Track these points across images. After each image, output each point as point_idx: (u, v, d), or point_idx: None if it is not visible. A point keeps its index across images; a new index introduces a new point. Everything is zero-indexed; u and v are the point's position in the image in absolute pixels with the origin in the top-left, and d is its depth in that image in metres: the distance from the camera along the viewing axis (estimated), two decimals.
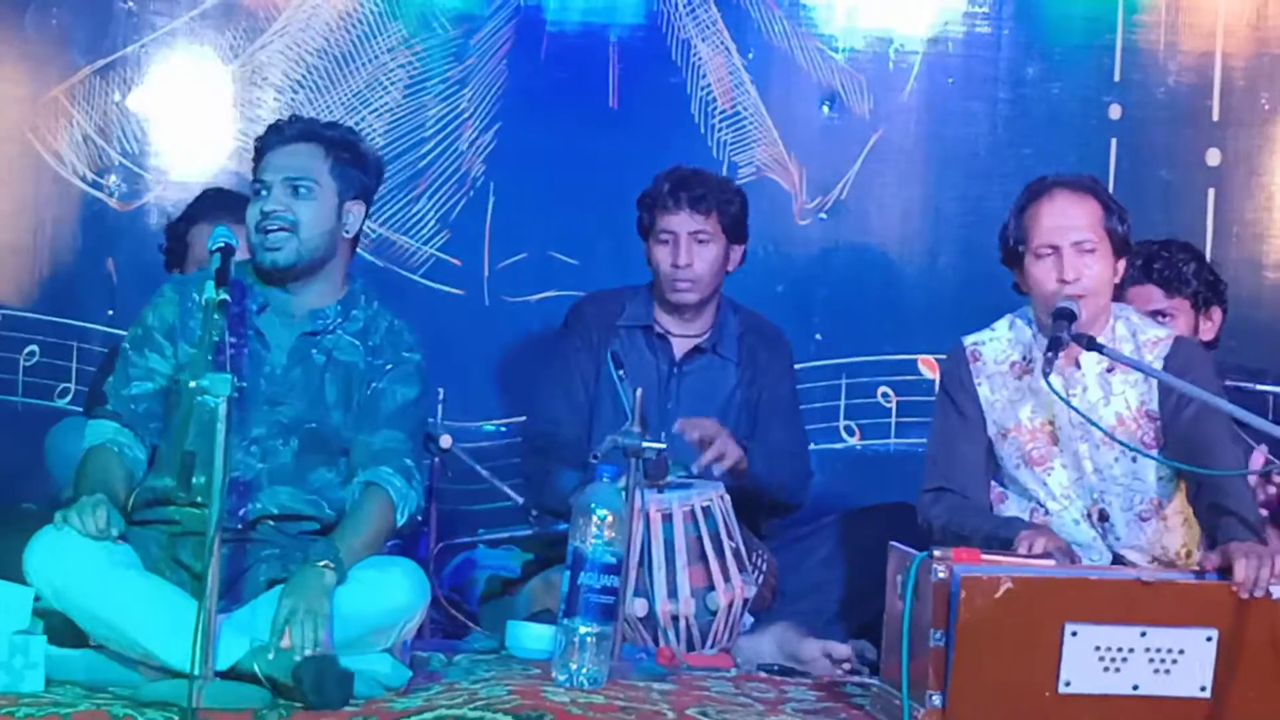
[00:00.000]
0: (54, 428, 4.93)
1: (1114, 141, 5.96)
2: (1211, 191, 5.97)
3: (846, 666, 4.48)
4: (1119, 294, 4.85)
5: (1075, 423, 4.29)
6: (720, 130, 5.91)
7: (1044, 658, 3.72)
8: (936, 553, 3.78)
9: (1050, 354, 4.15)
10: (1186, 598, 3.76)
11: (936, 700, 3.74)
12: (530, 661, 4.36)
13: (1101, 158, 5.93)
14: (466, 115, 5.89)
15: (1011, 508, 4.38)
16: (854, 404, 5.92)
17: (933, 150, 6.00)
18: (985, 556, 3.83)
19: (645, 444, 4.34)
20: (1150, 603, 3.73)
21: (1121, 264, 4.34)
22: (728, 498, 4.71)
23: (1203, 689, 3.75)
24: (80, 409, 5.32)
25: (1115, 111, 5.98)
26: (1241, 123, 6.00)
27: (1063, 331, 4.18)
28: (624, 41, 5.91)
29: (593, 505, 4.10)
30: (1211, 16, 5.98)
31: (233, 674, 3.79)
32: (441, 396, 4.85)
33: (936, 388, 4.57)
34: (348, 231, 4.24)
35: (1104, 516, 4.32)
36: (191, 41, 5.83)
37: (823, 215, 5.97)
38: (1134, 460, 4.29)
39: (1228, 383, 4.77)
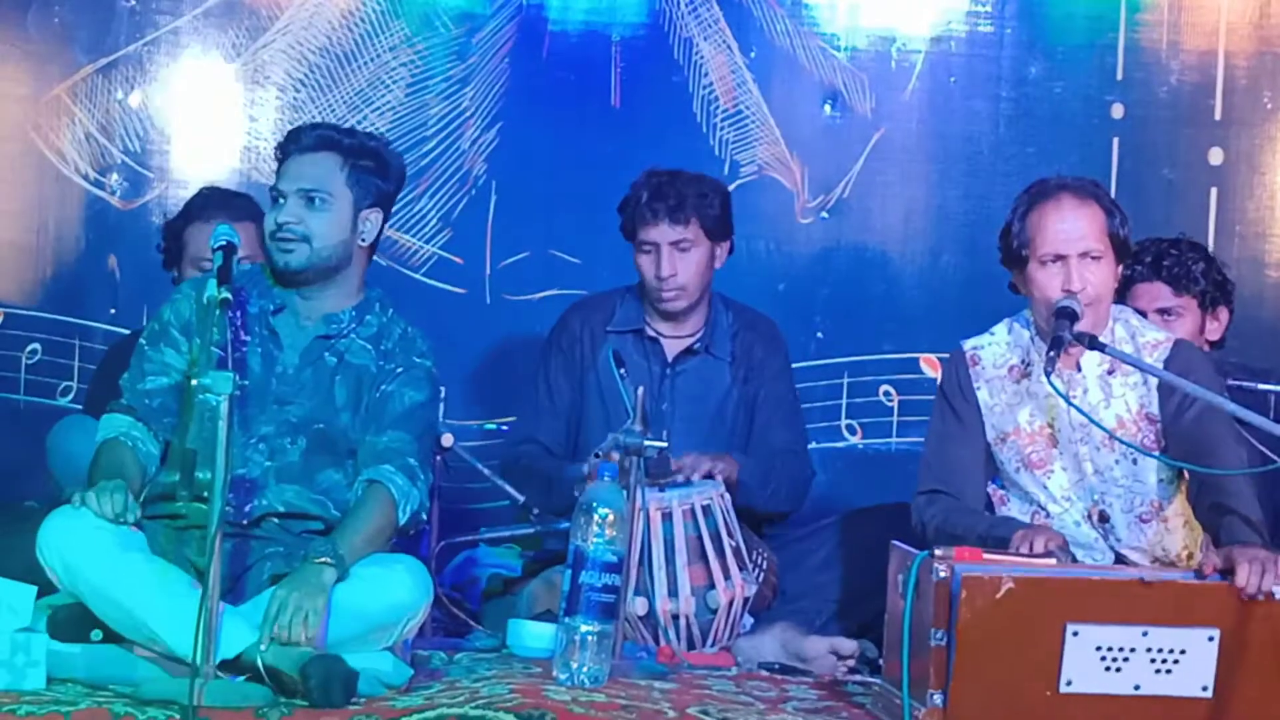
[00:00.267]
0: (56, 426, 4.93)
1: (1116, 140, 5.96)
2: (1214, 190, 5.97)
3: (851, 662, 4.49)
4: (1127, 290, 4.86)
5: (1075, 425, 4.29)
6: (722, 129, 5.92)
7: (1045, 657, 3.71)
8: (938, 552, 3.78)
9: (1052, 353, 4.15)
10: (1188, 598, 3.76)
11: (938, 699, 3.74)
12: (531, 660, 4.36)
13: (1104, 157, 5.93)
14: (469, 114, 5.89)
15: (1013, 510, 4.38)
16: (855, 403, 5.92)
17: (935, 149, 6.00)
18: (987, 556, 3.82)
19: (647, 442, 4.34)
20: (1152, 603, 3.73)
21: (1121, 268, 4.34)
22: (728, 496, 4.71)
23: (1204, 689, 3.75)
24: (82, 407, 5.32)
25: (1118, 110, 5.98)
26: (1244, 122, 6.00)
27: (1065, 331, 4.17)
28: (626, 40, 5.91)
29: (594, 504, 4.10)
30: (1214, 15, 5.98)
31: (238, 663, 3.80)
32: (443, 395, 4.85)
33: (935, 392, 4.57)
34: (363, 240, 4.26)
35: (1104, 518, 4.32)
36: (194, 40, 5.84)
37: (825, 214, 5.97)
38: (1135, 462, 4.29)
39: (1230, 382, 4.77)
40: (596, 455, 4.32)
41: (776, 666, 4.51)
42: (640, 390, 4.42)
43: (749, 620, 4.70)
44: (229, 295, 3.92)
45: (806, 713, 3.96)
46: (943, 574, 3.74)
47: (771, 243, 5.92)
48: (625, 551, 4.17)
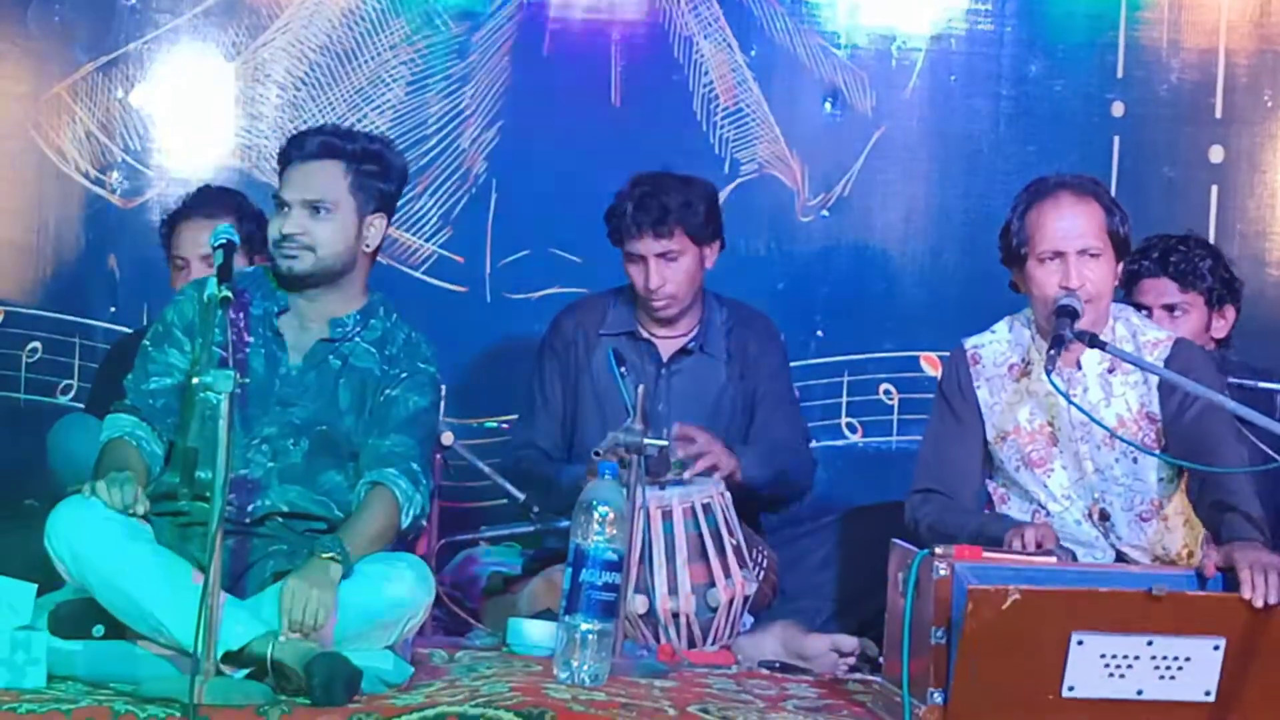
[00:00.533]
0: (56, 424, 4.93)
1: (1117, 139, 5.96)
2: (1214, 189, 5.98)
3: (851, 661, 4.49)
4: (1133, 286, 4.87)
5: (1076, 423, 4.29)
6: (722, 127, 5.92)
7: (1049, 664, 3.70)
8: (938, 550, 3.77)
9: (1053, 351, 4.15)
10: (1195, 608, 3.74)
11: (937, 698, 3.74)
12: (531, 658, 4.36)
13: (1104, 155, 5.93)
14: (469, 112, 5.89)
15: (1013, 509, 4.38)
16: (856, 401, 5.92)
17: (935, 147, 6.00)
18: (987, 554, 3.82)
19: (647, 441, 4.34)
20: (1158, 613, 3.70)
21: (1121, 266, 4.34)
22: (728, 494, 4.71)
23: (1207, 693, 3.74)
24: (82, 406, 5.32)
25: (1118, 109, 5.98)
26: (1244, 120, 6.00)
27: (1065, 329, 4.17)
28: (626, 39, 5.91)
29: (594, 502, 4.10)
30: (1214, 13, 5.98)
31: (241, 656, 3.80)
32: (443, 393, 4.84)
33: (936, 388, 4.57)
34: (368, 246, 4.27)
35: (1105, 516, 4.32)
36: (194, 38, 5.84)
37: (825, 212, 5.97)
38: (1135, 461, 4.29)
39: (1233, 381, 4.77)
40: (596, 454, 4.32)
41: (777, 665, 4.51)
42: (640, 388, 4.42)
43: (749, 618, 4.70)
44: (229, 294, 3.93)
45: (807, 711, 3.96)
46: (943, 572, 3.74)
47: (772, 241, 5.92)
48: (625, 550, 4.18)
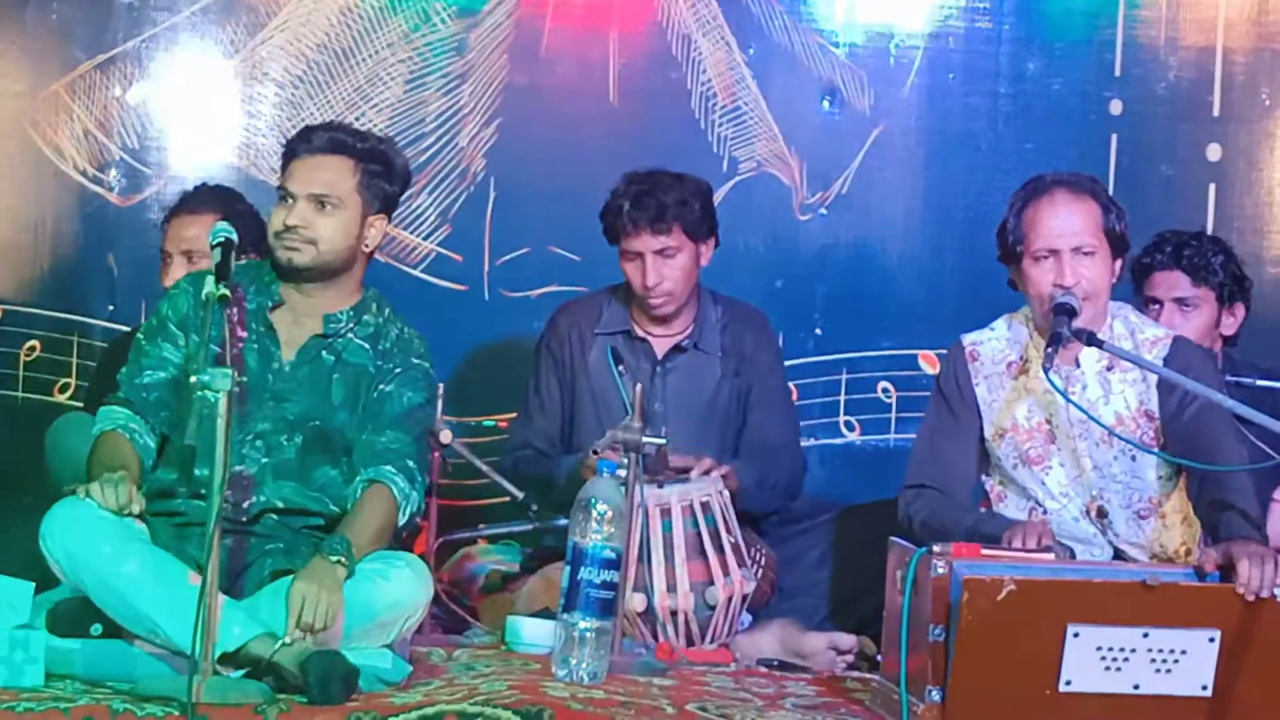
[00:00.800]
0: (55, 423, 4.92)
1: (1115, 137, 5.96)
2: (1212, 187, 5.98)
3: (850, 658, 4.49)
4: (1145, 279, 4.88)
5: (1074, 421, 4.30)
6: (721, 125, 5.92)
7: (1045, 657, 3.70)
8: (936, 548, 3.77)
9: (1050, 349, 4.15)
10: (1191, 600, 3.74)
11: (935, 695, 3.74)
12: (530, 656, 4.36)
13: (1102, 153, 5.93)
14: (467, 110, 5.89)
15: (1010, 506, 4.38)
16: (854, 399, 5.92)
17: (933, 145, 6.00)
18: (985, 552, 3.82)
19: (645, 438, 4.35)
20: (1154, 605, 3.71)
21: (1119, 264, 4.34)
22: (726, 493, 4.71)
23: (1204, 688, 3.74)
24: (81, 404, 5.32)
25: (1116, 107, 5.98)
26: (1242, 118, 6.00)
27: (1063, 327, 4.18)
28: (624, 37, 5.90)
29: (592, 500, 4.10)
30: (1212, 11, 5.98)
31: (237, 657, 3.80)
32: (441, 391, 4.85)
33: (933, 384, 4.58)
34: (367, 245, 4.27)
35: (1102, 514, 4.32)
36: (192, 36, 5.83)
37: (823, 210, 5.97)
38: (1133, 458, 4.29)
39: (1230, 379, 4.77)
40: (595, 452, 4.32)
41: (775, 663, 4.51)
42: (639, 387, 4.42)
43: (747, 617, 4.70)
44: (227, 292, 3.92)
45: (805, 709, 3.96)
46: (941, 570, 3.74)
47: (770, 239, 5.92)
48: (624, 548, 4.18)
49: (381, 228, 4.29)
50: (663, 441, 4.45)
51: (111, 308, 5.76)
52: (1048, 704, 3.72)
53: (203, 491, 3.94)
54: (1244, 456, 4.23)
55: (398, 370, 4.26)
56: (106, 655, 3.90)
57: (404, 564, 4.07)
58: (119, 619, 3.89)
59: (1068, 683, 3.72)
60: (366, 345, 4.26)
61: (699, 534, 4.61)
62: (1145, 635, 3.71)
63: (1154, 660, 3.72)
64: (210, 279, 3.95)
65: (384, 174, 4.26)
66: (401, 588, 4.03)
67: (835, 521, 4.94)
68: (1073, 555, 4.11)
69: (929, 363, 5.85)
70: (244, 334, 4.21)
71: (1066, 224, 4.25)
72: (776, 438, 5.04)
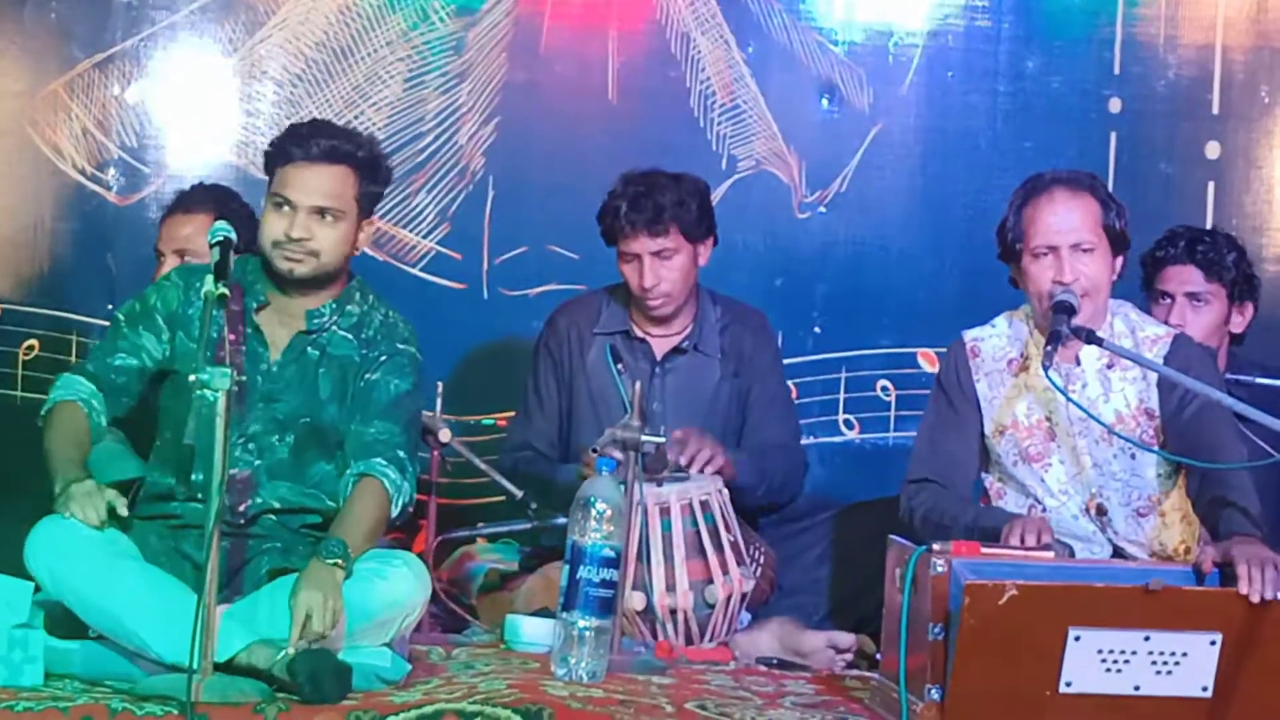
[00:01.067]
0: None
1: (1114, 135, 5.96)
2: (1211, 184, 5.98)
3: (849, 657, 4.49)
4: (1158, 273, 4.88)
5: (1074, 418, 4.29)
6: (719, 124, 5.91)
7: (1046, 659, 3.70)
8: (936, 546, 3.77)
9: (1049, 347, 4.15)
10: (1192, 604, 3.74)
11: (935, 694, 3.74)
12: (529, 655, 4.36)
13: (1101, 151, 5.93)
14: (466, 109, 5.89)
15: (1010, 503, 4.38)
16: (853, 397, 5.92)
17: (932, 144, 6.00)
18: (985, 550, 3.82)
19: (644, 437, 4.34)
20: (1155, 609, 3.70)
21: (1119, 261, 4.34)
22: (725, 491, 4.71)
23: (1204, 689, 3.74)
24: None
25: (1115, 105, 5.98)
26: (1241, 116, 6.00)
27: (1061, 325, 4.18)
28: (623, 35, 5.90)
29: (592, 499, 4.10)
30: (1211, 9, 5.98)
31: (230, 667, 3.79)
32: (440, 390, 4.85)
33: (934, 380, 4.57)
34: (358, 249, 4.27)
35: (1102, 511, 4.32)
36: (191, 35, 5.83)
37: (822, 209, 5.97)
38: (1133, 456, 4.29)
39: (1230, 377, 4.77)
40: (594, 451, 4.32)
41: (774, 661, 4.51)
42: (638, 385, 4.42)
43: (747, 615, 4.70)
44: (226, 291, 3.92)
45: (804, 707, 3.96)
46: (940, 568, 3.74)
47: (769, 237, 5.92)
48: (623, 546, 4.18)
49: (370, 231, 4.28)
50: (662, 440, 4.45)
51: (110, 306, 5.72)
52: (1048, 705, 3.72)
53: (199, 496, 3.95)
54: (1244, 455, 4.24)
55: (383, 358, 4.23)
56: (105, 655, 3.89)
57: (401, 563, 4.07)
58: (109, 636, 3.88)
59: (1068, 684, 3.71)
60: (350, 335, 4.23)
61: (698, 533, 4.61)
62: (1146, 638, 3.71)
63: (1155, 662, 3.72)
64: (209, 278, 3.94)
65: (377, 179, 4.26)
66: (399, 587, 4.02)
67: (834, 520, 4.94)
68: (1072, 553, 4.10)
69: (928, 361, 5.85)
70: (232, 335, 4.18)
71: (1065, 221, 4.25)
72: (776, 437, 5.04)
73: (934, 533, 4.11)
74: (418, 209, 5.85)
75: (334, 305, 4.24)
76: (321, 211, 4.16)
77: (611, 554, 4.10)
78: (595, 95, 5.88)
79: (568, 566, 4.10)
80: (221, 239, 4.06)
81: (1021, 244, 4.28)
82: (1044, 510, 4.32)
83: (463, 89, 5.89)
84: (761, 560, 4.76)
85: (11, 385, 5.74)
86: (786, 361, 5.32)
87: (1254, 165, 6.00)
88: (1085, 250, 4.25)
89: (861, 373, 5.92)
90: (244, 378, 4.08)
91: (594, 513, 4.08)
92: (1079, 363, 4.32)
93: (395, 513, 4.14)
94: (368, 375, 4.22)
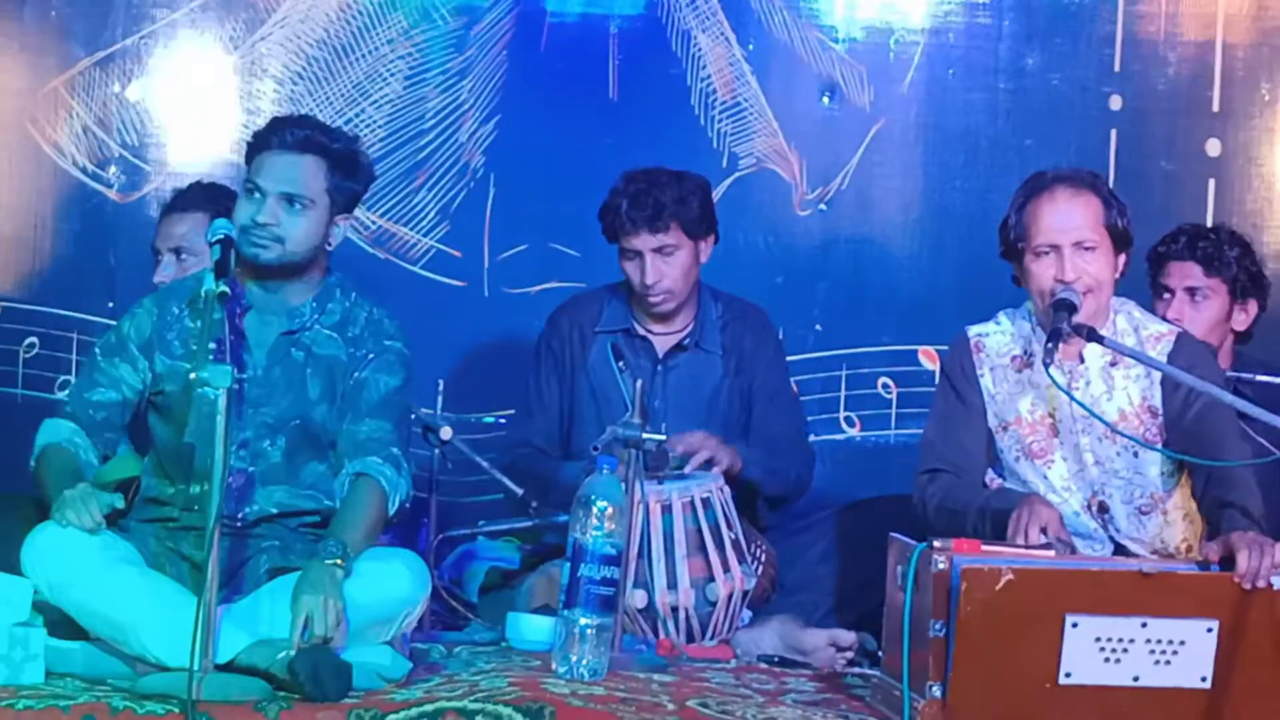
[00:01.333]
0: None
1: (1114, 132, 5.96)
2: (1211, 182, 5.98)
3: (850, 655, 4.49)
4: (1161, 268, 4.88)
5: (1077, 415, 4.29)
6: (720, 121, 5.91)
7: (1045, 649, 3.71)
8: (936, 544, 3.77)
9: (1050, 344, 4.15)
10: (1187, 589, 3.75)
11: (937, 691, 3.74)
12: (530, 653, 4.36)
13: (1102, 148, 5.93)
14: (466, 106, 5.89)
15: None
16: (854, 395, 5.92)
17: (933, 141, 6.00)
18: (986, 548, 3.82)
19: (645, 435, 4.34)
20: (1151, 594, 3.72)
21: (1122, 259, 4.34)
22: (727, 489, 4.71)
23: (1203, 679, 3.75)
24: None
25: (1115, 102, 5.98)
26: (1242, 113, 6.00)
27: (1063, 323, 4.18)
28: (624, 32, 5.90)
29: (593, 497, 4.10)
30: (1211, 7, 5.98)
31: (231, 668, 3.79)
32: (441, 388, 4.85)
33: (937, 375, 4.57)
34: (330, 244, 4.24)
35: (1104, 508, 4.32)
36: (191, 33, 5.83)
37: (823, 206, 5.96)
38: (1136, 454, 4.29)
39: (1231, 374, 4.77)
40: (595, 449, 4.32)
41: (775, 659, 4.51)
42: (639, 383, 4.42)
43: (748, 613, 4.70)
44: (227, 289, 3.91)
45: (805, 705, 3.96)
46: (941, 565, 3.74)
47: (770, 235, 5.92)
48: (624, 544, 4.18)
49: (345, 228, 4.25)
50: (663, 438, 4.45)
51: (111, 304, 5.75)
52: (1048, 698, 3.72)
53: (195, 508, 3.96)
54: (1247, 454, 4.24)
55: (371, 356, 4.22)
56: (106, 657, 3.89)
57: (400, 562, 4.06)
58: (108, 641, 3.88)
59: (1068, 675, 3.72)
60: (335, 334, 4.22)
61: (699, 530, 4.61)
62: (1144, 625, 3.72)
63: (1153, 651, 3.73)
64: (209, 275, 3.94)
65: (352, 174, 4.23)
66: (399, 585, 4.02)
67: (836, 517, 4.94)
68: (1073, 550, 4.10)
69: (929, 358, 5.85)
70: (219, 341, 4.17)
71: (1067, 219, 4.25)
72: (782, 430, 5.04)
73: (947, 520, 4.11)
74: (418, 207, 5.86)
75: (314, 303, 4.22)
76: (290, 199, 4.14)
77: (613, 552, 4.10)
78: (596, 93, 5.89)
79: (569, 564, 4.10)
80: (222, 237, 4.06)
81: (1024, 243, 4.28)
82: None
83: (464, 87, 5.89)
84: (763, 558, 4.76)
85: (12, 383, 5.75)
86: (787, 359, 5.32)
87: (1254, 162, 5.99)
88: (1087, 248, 4.24)
89: (862, 370, 5.92)
90: (244, 376, 4.08)
91: (595, 510, 4.08)
92: (1082, 360, 4.32)
93: (392, 510, 4.13)
94: (356, 374, 4.21)
